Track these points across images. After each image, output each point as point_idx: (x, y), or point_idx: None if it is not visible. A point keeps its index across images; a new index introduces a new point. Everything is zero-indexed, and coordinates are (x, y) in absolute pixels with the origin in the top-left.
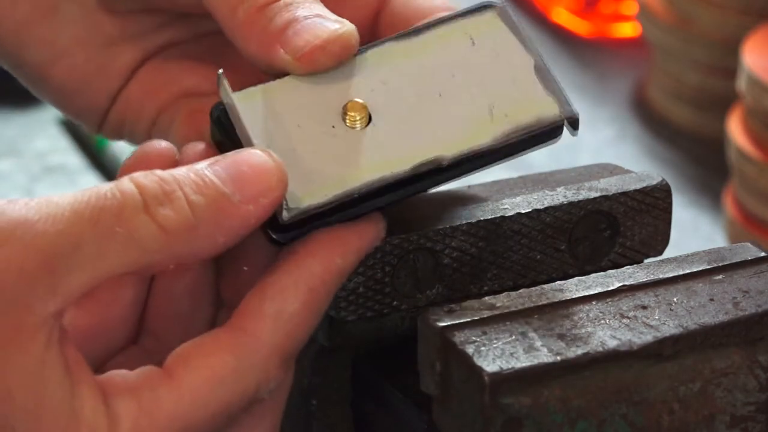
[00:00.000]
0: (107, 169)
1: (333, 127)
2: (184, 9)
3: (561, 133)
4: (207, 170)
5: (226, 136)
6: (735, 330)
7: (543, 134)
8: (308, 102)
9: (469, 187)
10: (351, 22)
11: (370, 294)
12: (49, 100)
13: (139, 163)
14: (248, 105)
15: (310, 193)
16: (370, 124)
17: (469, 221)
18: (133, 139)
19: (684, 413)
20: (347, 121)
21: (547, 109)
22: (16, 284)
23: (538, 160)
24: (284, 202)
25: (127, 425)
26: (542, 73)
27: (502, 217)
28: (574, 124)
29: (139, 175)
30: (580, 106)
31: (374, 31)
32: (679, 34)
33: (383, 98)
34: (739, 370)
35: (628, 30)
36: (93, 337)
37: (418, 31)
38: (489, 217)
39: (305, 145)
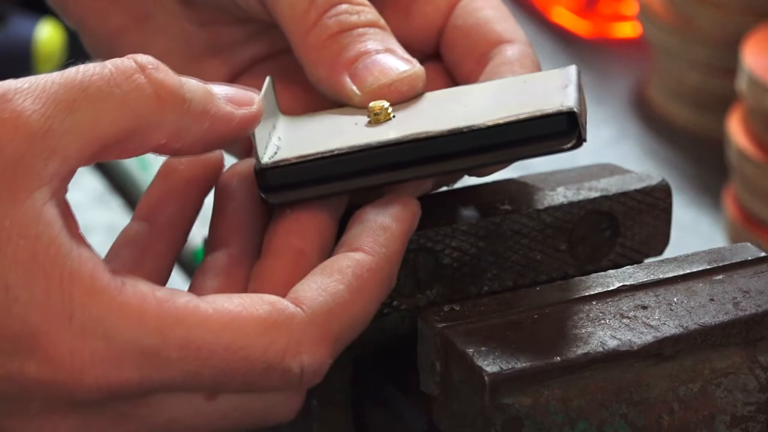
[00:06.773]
0: (110, 170)
1: (356, 124)
2: (271, 20)
3: (566, 139)
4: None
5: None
6: (735, 330)
7: (541, 128)
8: (344, 111)
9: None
10: (416, 35)
11: None
12: None
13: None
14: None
15: (295, 151)
16: (390, 120)
17: (469, 221)
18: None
19: (684, 413)
20: (369, 116)
21: (549, 105)
22: (14, 143)
23: (539, 159)
24: (266, 154)
25: (135, 299)
26: (571, 90)
27: (502, 217)
28: (572, 119)
29: (137, 55)
30: None
31: (437, 48)
32: (679, 34)
33: (413, 106)
34: (739, 370)
35: (628, 30)
36: None
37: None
38: (489, 217)
39: (322, 130)
